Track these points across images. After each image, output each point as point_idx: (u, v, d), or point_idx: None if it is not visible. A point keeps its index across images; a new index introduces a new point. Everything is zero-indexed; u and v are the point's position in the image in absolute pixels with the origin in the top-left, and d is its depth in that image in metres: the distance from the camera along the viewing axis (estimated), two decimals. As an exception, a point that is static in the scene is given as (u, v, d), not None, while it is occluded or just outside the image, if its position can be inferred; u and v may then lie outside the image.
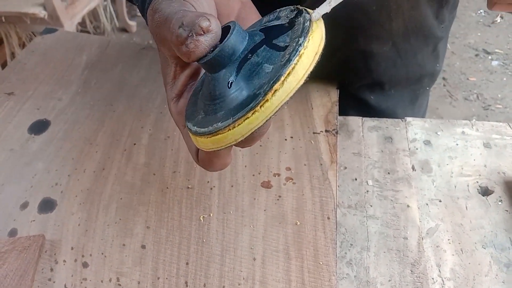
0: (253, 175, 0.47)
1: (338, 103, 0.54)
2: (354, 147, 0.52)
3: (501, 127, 0.54)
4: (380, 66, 0.57)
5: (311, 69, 0.22)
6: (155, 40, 0.28)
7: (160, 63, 0.31)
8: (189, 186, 0.46)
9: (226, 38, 0.23)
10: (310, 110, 0.54)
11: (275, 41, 0.23)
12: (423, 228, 0.44)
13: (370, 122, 0.55)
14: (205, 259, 0.40)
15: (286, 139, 0.51)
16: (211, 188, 0.46)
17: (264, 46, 0.23)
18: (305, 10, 0.23)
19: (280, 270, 0.39)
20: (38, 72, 0.62)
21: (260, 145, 0.50)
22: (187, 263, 0.40)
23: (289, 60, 0.21)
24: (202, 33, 0.23)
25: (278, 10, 0.26)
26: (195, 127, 0.24)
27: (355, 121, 0.55)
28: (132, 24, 2.48)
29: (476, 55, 2.30)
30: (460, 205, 0.46)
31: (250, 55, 0.23)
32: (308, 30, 0.22)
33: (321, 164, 0.48)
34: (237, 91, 0.22)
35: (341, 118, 0.55)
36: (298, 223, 0.42)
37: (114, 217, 0.44)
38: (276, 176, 0.47)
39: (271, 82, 0.21)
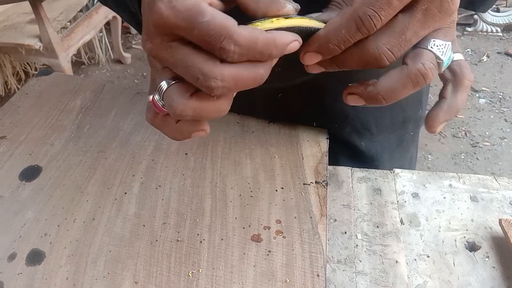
0: (243, 227, 0.47)
1: (328, 154, 0.55)
2: (343, 198, 0.52)
3: (487, 180, 0.55)
4: (366, 108, 0.59)
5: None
6: None
7: None
8: (179, 239, 0.46)
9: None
10: (300, 160, 0.54)
11: None
12: (411, 284, 0.44)
13: (359, 172, 0.56)
14: (194, 317, 0.40)
15: (276, 190, 0.51)
16: (201, 242, 0.46)
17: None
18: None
19: (268, 330, 0.39)
20: (32, 116, 0.62)
21: (251, 196, 0.50)
22: (175, 321, 0.40)
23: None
24: None
25: None
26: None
27: (344, 171, 0.56)
28: (127, 56, 2.51)
29: (464, 92, 2.35)
30: (448, 261, 0.46)
31: None
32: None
33: (311, 217, 0.48)
34: None
35: (330, 167, 0.56)
36: (288, 281, 0.42)
37: (103, 271, 0.43)
38: (266, 229, 0.47)
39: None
